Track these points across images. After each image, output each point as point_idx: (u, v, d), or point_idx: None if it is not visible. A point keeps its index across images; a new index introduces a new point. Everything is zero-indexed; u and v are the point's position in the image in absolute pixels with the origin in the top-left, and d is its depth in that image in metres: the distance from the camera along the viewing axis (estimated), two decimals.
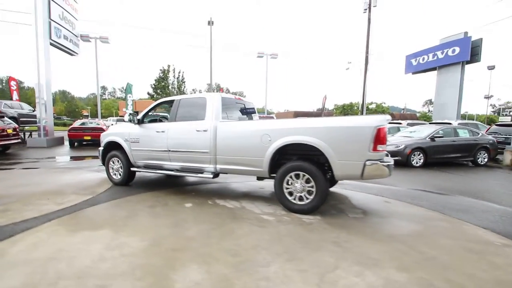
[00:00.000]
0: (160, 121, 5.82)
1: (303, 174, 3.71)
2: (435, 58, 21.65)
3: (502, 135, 10.29)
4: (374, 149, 3.29)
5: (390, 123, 11.48)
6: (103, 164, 5.80)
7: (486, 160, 9.01)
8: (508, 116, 53.04)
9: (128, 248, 2.65)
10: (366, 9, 23.95)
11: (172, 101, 5.06)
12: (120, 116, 49.08)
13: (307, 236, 3.01)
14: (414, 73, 24.20)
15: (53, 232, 3.05)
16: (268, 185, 5.55)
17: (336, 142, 3.45)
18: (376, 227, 3.35)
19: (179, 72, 32.93)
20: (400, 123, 13.77)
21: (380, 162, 3.31)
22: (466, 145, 8.71)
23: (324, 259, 2.49)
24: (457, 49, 20.00)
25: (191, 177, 6.21)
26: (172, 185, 5.59)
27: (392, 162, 3.43)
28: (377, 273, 2.26)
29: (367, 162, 3.32)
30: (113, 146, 5.66)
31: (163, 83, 31.30)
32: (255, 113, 5.67)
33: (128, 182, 5.49)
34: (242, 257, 2.49)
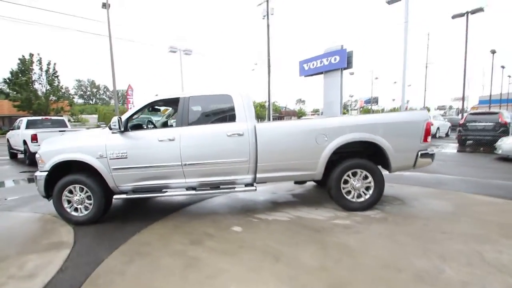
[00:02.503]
0: (141, 127, 4.32)
1: (360, 171, 3.69)
2: (322, 64, 26.05)
3: None
4: (425, 140, 3.67)
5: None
6: (47, 197, 3.77)
7: None
8: (355, 109, 71.41)
9: None
10: (265, 16, 26.00)
11: (175, 100, 3.84)
12: None
13: (407, 230, 3.04)
14: (306, 76, 28.34)
15: None
16: (277, 188, 5.19)
17: (394, 136, 3.62)
18: (428, 209, 3.76)
19: (48, 64, 25.46)
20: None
21: (428, 151, 3.73)
22: None
23: (457, 247, 2.60)
24: (338, 58, 24.83)
25: (165, 197, 4.96)
26: (153, 210, 4.29)
27: (434, 151, 3.92)
28: (502, 244, 2.58)
29: (420, 153, 3.67)
30: (68, 167, 3.78)
31: (24, 78, 23.30)
32: None
33: (102, 216, 3.80)
34: (410, 270, 2.24)
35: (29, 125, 10.00)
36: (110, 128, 3.56)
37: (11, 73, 22.74)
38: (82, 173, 3.73)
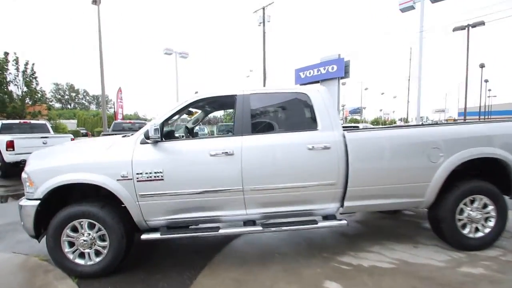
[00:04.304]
0: (173, 134, 3.19)
1: (480, 198, 2.77)
2: (319, 73, 25.77)
3: None
4: None
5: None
6: (36, 236, 2.56)
7: None
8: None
9: None
10: (261, 23, 25.60)
11: (228, 99, 2.79)
12: None
13: None
14: (301, 84, 27.95)
15: None
16: None
17: None
18: None
19: (26, 64, 23.36)
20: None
21: None
22: None
23: None
24: (335, 67, 24.65)
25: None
26: (184, 248, 3.15)
27: None
28: None
29: None
30: (67, 192, 2.62)
31: None
32: None
33: (120, 264, 2.60)
34: None
35: (4, 129, 8.43)
36: (147, 137, 2.42)
37: None
38: (92, 201, 2.55)
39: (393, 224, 3.65)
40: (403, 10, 12.63)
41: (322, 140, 2.58)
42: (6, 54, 21.97)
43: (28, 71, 23.15)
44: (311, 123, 2.68)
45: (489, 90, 42.76)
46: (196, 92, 3.33)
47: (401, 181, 2.68)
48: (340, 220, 2.65)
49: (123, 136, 2.83)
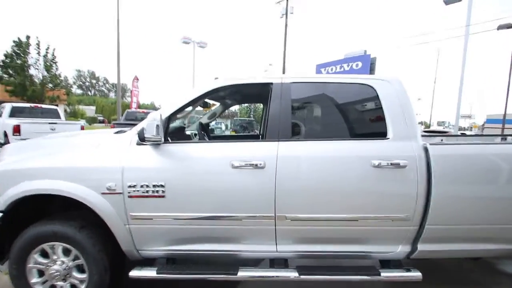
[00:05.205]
0: (183, 133, 2.47)
1: None
2: (342, 69, 24.39)
3: None
4: None
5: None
6: None
7: None
8: None
9: None
10: (283, 14, 24.56)
11: (261, 88, 2.03)
12: None
13: None
14: None
15: None
16: None
17: None
18: None
19: (47, 49, 23.56)
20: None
21: None
22: None
23: None
24: (360, 64, 23.21)
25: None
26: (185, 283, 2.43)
27: None
28: None
29: None
30: (42, 203, 1.97)
31: (18, 61, 21.36)
32: None
33: None
34: None
35: (14, 113, 8.08)
36: (142, 139, 1.71)
37: (5, 55, 20.77)
38: (68, 218, 1.89)
39: (462, 266, 2.79)
40: (447, 2, 11.28)
41: (394, 154, 1.77)
42: (28, 38, 22.18)
43: (49, 55, 23.36)
44: (377, 129, 1.88)
45: None
46: (216, 78, 2.59)
47: (502, 219, 1.83)
48: (410, 270, 1.84)
49: (116, 132, 2.14)
